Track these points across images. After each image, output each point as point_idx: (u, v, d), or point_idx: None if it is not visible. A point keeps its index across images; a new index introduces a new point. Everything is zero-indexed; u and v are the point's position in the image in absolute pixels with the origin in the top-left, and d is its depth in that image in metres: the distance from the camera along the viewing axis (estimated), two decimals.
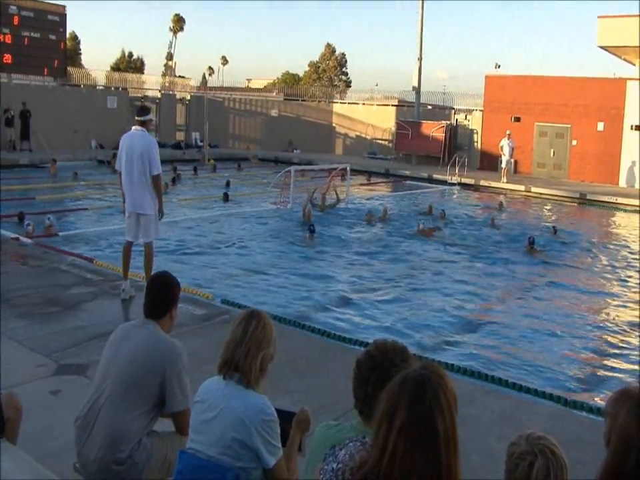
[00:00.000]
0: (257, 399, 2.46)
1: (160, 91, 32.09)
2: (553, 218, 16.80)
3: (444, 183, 22.34)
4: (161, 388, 2.88)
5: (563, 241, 12.89)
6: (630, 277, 10.40)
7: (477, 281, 9.50)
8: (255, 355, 2.50)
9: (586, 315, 8.07)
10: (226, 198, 15.84)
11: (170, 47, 62.55)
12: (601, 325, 7.67)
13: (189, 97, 32.85)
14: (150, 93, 31.99)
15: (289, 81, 64.00)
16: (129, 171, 6.48)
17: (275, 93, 38.99)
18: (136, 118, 6.56)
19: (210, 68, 77.49)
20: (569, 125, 24.52)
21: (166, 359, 2.89)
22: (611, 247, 12.99)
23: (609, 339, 7.14)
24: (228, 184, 18.68)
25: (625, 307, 8.54)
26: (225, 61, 78.85)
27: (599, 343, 7.05)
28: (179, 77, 46.07)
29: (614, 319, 7.90)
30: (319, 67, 65.69)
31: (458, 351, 6.36)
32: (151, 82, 33.11)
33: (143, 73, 48.31)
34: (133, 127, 6.56)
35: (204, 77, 64.63)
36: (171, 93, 32.73)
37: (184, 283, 6.10)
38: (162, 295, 3.09)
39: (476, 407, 4.45)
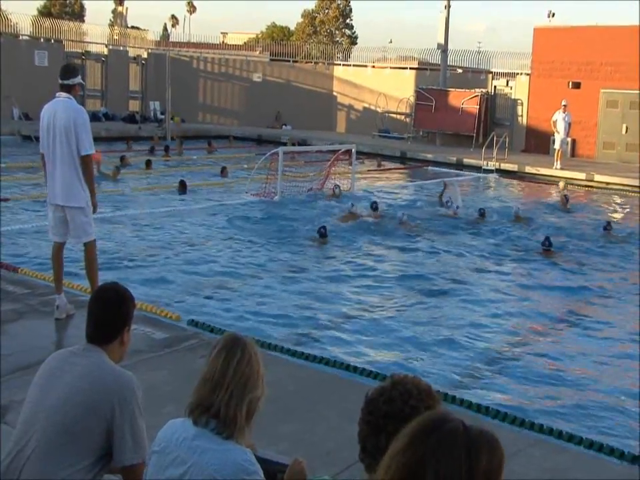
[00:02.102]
0: (237, 454, 2.46)
1: (107, 46, 32.16)
2: (618, 216, 16.89)
3: (477, 169, 22.45)
4: (108, 435, 2.88)
5: (615, 241, 13.06)
6: None
7: (509, 294, 9.71)
8: (240, 401, 2.51)
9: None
10: (183, 188, 15.84)
11: None
12: None
13: (145, 55, 32.92)
14: (93, 48, 32.03)
15: (277, 35, 64.26)
16: (50, 151, 6.50)
17: (258, 52, 39.16)
18: (59, 81, 6.56)
19: (173, 17, 77.73)
20: None
21: (115, 396, 2.89)
22: None
23: None
24: (223, 171, 18.64)
25: None
26: (192, 7, 79.10)
27: None
28: (132, 27, 46.29)
29: None
30: (315, 17, 65.88)
31: (493, 390, 6.38)
32: (95, 33, 33.21)
33: (83, 21, 48.43)
34: (57, 94, 6.58)
35: (165, 28, 64.74)
36: (121, 48, 32.77)
37: (139, 297, 6.13)
38: (110, 313, 3.10)
39: (520, 460, 4.46)
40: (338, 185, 16.36)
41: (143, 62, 32.39)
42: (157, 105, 29.99)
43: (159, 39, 39.56)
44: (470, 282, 10.08)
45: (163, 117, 27.60)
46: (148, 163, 19.02)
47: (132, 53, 32.84)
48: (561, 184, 19.10)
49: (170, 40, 37.14)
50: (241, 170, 19.34)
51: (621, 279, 10.82)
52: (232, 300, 8.56)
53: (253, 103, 32.21)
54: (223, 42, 54.93)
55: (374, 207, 14.03)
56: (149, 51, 33.52)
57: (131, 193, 15.55)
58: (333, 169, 17.58)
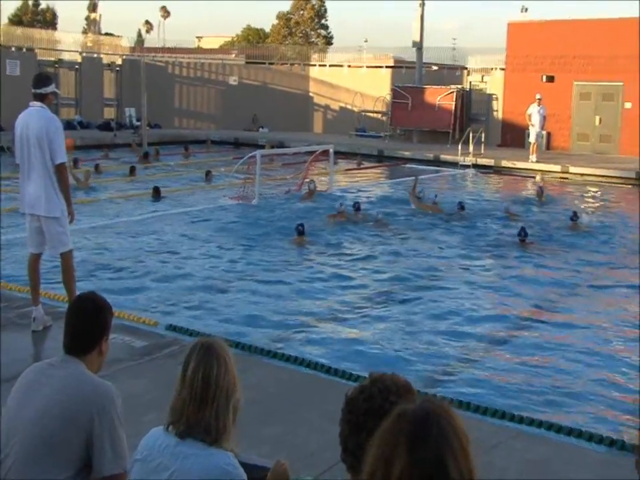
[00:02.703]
0: (220, 458, 2.47)
1: (80, 54, 31.94)
2: (593, 206, 17.12)
3: (454, 165, 22.58)
4: (87, 446, 2.87)
5: (582, 231, 13.23)
6: None
7: (485, 288, 9.81)
8: (226, 410, 2.52)
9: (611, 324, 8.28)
10: (157, 194, 15.76)
11: None
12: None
13: (119, 62, 32.74)
14: (66, 56, 31.78)
15: (252, 38, 64.17)
16: (25, 161, 6.46)
17: (233, 55, 39.06)
18: (32, 90, 6.52)
19: (147, 22, 77.61)
20: (621, 83, 24.85)
21: (93, 406, 2.88)
22: None
23: None
24: (208, 174, 18.62)
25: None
26: (166, 12, 78.90)
27: None
28: (106, 34, 46.07)
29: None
30: (290, 19, 65.86)
31: (470, 384, 6.43)
32: (68, 41, 32.95)
33: (55, 29, 48.11)
34: (30, 103, 6.55)
35: (139, 34, 64.60)
36: (95, 56, 32.58)
37: (117, 305, 6.11)
38: (88, 323, 3.09)
39: (501, 453, 4.51)
40: (313, 181, 16.41)
41: (118, 69, 32.21)
42: (133, 111, 29.84)
43: (133, 45, 39.40)
44: (447, 278, 10.13)
45: (139, 123, 27.48)
46: (132, 170, 18.95)
47: (106, 59, 32.66)
48: (537, 177, 19.31)
49: (144, 46, 37.04)
50: (219, 174, 19.34)
51: (592, 268, 10.93)
52: (211, 304, 8.53)
53: (230, 106, 32.15)
54: (199, 46, 54.85)
55: (356, 207, 14.08)
56: (123, 57, 33.34)
57: (106, 200, 15.46)
58: (311, 169, 17.61)
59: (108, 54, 33.51)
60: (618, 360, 7.14)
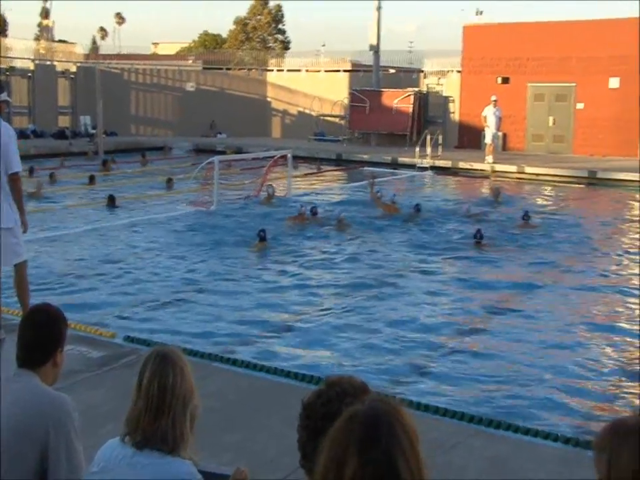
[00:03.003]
0: (178, 467, 2.47)
1: (33, 61, 31.44)
2: (547, 205, 17.42)
3: (412, 167, 22.77)
4: (42, 459, 2.83)
5: (533, 233, 13.47)
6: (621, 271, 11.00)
7: (443, 290, 9.92)
8: (183, 419, 2.52)
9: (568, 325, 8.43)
10: (112, 202, 15.57)
11: None
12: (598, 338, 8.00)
13: (74, 69, 32.33)
14: (18, 63, 31.26)
15: (209, 44, 63.88)
16: None
17: (190, 61, 38.87)
18: None
19: (102, 29, 76.79)
20: (573, 84, 25.43)
21: (49, 419, 2.85)
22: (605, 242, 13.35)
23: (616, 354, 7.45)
24: (169, 182, 18.59)
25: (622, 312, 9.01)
26: (120, 19, 78.20)
27: (607, 360, 7.32)
28: (60, 41, 45.38)
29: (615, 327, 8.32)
30: (247, 24, 65.75)
31: (430, 387, 6.51)
32: (19, 48, 32.36)
33: (6, 36, 47.25)
34: None
35: (94, 41, 63.91)
36: (48, 63, 32.12)
37: (72, 316, 6.05)
38: (42, 335, 3.05)
39: (460, 453, 4.57)
40: (271, 185, 16.46)
41: (72, 76, 31.80)
42: (88, 119, 29.48)
43: (87, 51, 38.93)
44: (405, 281, 10.18)
45: (94, 131, 27.16)
46: (91, 178, 18.74)
47: (60, 67, 32.18)
48: (493, 178, 19.61)
49: (99, 52, 36.62)
50: (177, 181, 19.24)
51: (547, 267, 11.09)
52: (169, 313, 8.46)
53: (187, 112, 31.99)
54: (154, 52, 54.48)
55: (313, 211, 14.14)
56: (78, 64, 32.92)
57: (61, 210, 15.23)
58: (270, 174, 17.62)
59: (62, 61, 33.04)
60: (573, 360, 7.25)
